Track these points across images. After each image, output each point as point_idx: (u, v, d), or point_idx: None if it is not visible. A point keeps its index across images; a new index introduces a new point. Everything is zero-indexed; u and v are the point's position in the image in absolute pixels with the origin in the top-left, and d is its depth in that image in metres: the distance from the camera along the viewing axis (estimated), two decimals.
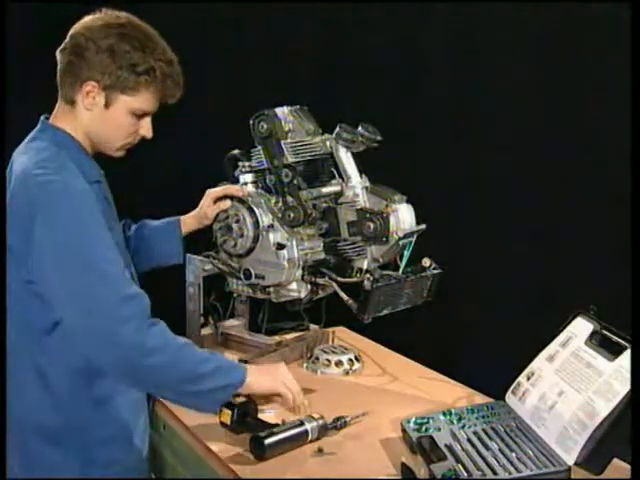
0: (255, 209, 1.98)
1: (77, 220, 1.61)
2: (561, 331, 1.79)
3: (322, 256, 2.01)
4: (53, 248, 1.59)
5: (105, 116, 1.73)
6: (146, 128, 1.78)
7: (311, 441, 1.74)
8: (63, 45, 1.73)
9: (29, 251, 1.61)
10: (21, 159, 1.69)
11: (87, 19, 1.72)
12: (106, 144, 1.78)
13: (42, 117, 1.78)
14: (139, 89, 1.71)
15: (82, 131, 1.75)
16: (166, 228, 2.10)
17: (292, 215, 1.96)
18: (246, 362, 2.13)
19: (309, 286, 2.02)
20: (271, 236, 1.96)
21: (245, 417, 1.76)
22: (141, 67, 1.69)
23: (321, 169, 2.05)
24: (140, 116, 1.75)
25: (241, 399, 1.80)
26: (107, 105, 1.71)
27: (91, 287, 1.58)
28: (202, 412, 1.73)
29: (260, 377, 1.75)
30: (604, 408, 1.52)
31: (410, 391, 2.08)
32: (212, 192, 2.07)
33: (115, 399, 1.75)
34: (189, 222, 2.11)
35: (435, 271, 1.99)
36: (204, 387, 1.65)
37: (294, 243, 1.96)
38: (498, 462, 1.56)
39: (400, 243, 1.93)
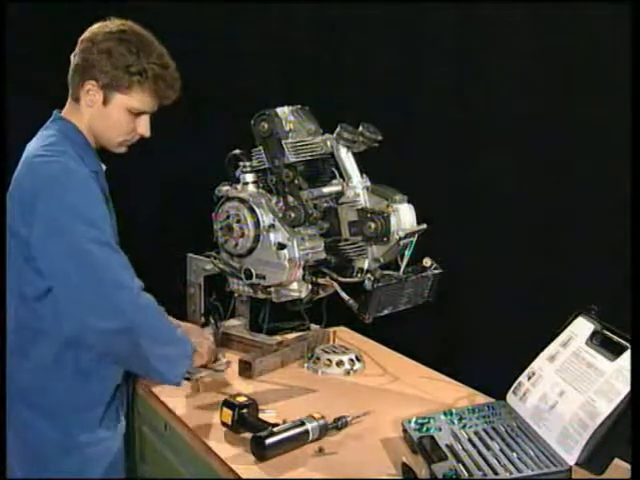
0: (256, 209, 1.98)
1: (77, 196, 1.77)
2: (562, 331, 1.79)
3: (323, 256, 2.01)
4: (54, 221, 1.74)
5: (103, 112, 1.89)
6: (143, 126, 1.92)
7: (312, 441, 1.74)
8: (75, 50, 1.91)
9: (31, 228, 1.76)
10: (31, 145, 1.88)
11: (95, 26, 1.90)
12: (106, 139, 1.93)
13: (55, 111, 1.95)
14: (133, 88, 1.86)
15: (85, 126, 1.92)
16: None
17: (293, 215, 1.96)
18: (248, 363, 2.14)
19: (310, 286, 2.02)
20: (272, 236, 1.96)
21: (246, 417, 1.77)
22: (134, 68, 1.84)
23: (322, 169, 2.05)
24: (137, 115, 1.90)
25: (242, 399, 1.80)
26: (105, 102, 1.88)
27: (85, 266, 1.73)
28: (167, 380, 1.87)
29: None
30: (605, 408, 1.52)
31: (411, 391, 2.08)
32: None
33: (97, 372, 1.89)
34: None
35: (436, 271, 1.99)
36: (173, 352, 1.84)
37: (295, 243, 1.96)
38: (499, 462, 1.56)
39: (401, 243, 1.93)
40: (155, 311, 1.82)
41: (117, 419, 1.99)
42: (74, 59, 1.90)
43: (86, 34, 1.90)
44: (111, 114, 1.89)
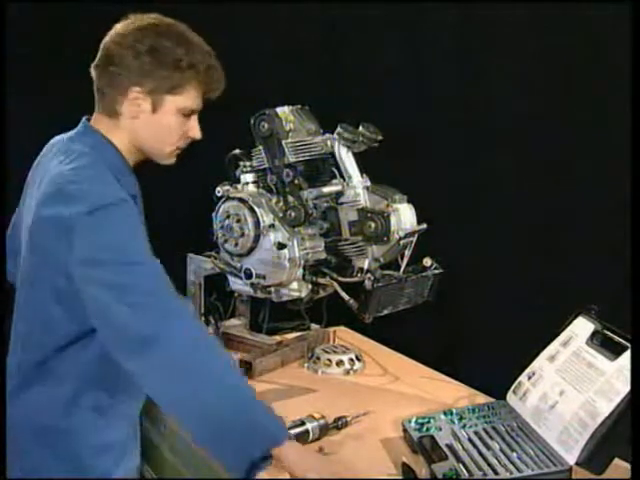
0: (256, 209, 1.98)
1: (118, 236, 1.54)
2: (562, 331, 1.79)
3: (323, 256, 2.01)
4: (100, 267, 1.51)
5: (153, 121, 1.66)
6: (195, 128, 1.72)
7: (312, 441, 1.74)
8: (97, 60, 1.67)
9: (69, 261, 1.52)
10: (59, 159, 1.63)
11: (118, 28, 1.66)
12: (157, 151, 1.71)
13: (84, 118, 1.72)
14: (185, 86, 1.64)
15: (128, 142, 1.68)
16: None
17: (293, 215, 1.96)
18: (249, 363, 2.14)
19: (310, 286, 2.02)
20: (272, 236, 1.96)
21: None
22: (185, 62, 1.62)
23: (322, 169, 2.05)
24: (187, 115, 1.69)
25: None
26: (154, 109, 1.65)
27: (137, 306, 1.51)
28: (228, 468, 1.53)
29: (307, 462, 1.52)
30: (605, 408, 1.52)
31: (411, 391, 2.08)
32: None
33: (114, 409, 1.71)
34: None
35: (436, 271, 1.99)
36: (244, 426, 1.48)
37: (295, 243, 1.96)
38: (499, 462, 1.56)
39: (401, 243, 1.93)
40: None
41: (133, 460, 1.80)
42: (100, 70, 1.66)
43: (111, 38, 1.65)
44: (162, 121, 1.65)
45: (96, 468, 1.68)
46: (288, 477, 1.62)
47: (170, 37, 1.63)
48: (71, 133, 1.71)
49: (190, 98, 1.66)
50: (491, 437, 1.67)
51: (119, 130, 1.67)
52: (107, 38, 1.66)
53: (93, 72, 1.68)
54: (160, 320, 1.49)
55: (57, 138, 1.75)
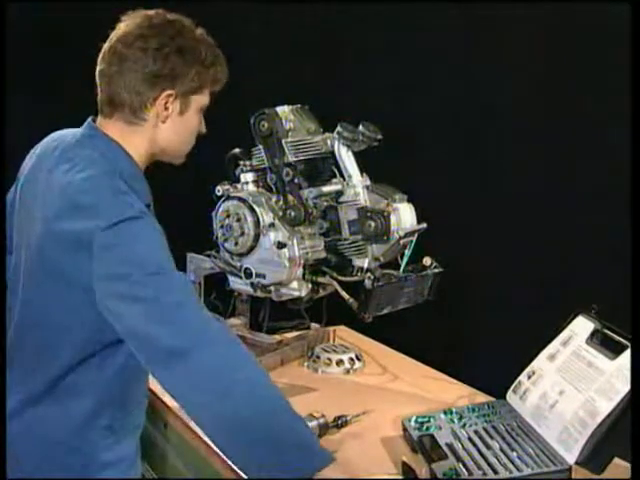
0: (256, 208, 1.98)
1: (139, 249, 1.47)
2: (562, 330, 1.79)
3: (323, 255, 2.01)
4: (122, 281, 1.44)
5: (180, 123, 1.60)
6: (203, 124, 1.68)
7: None
8: (105, 65, 1.57)
9: (90, 276, 1.46)
10: (66, 166, 1.54)
11: (125, 29, 1.55)
12: (179, 152, 1.67)
13: (89, 119, 1.63)
14: (205, 83, 1.60)
15: (147, 148, 1.61)
16: None
17: (293, 214, 1.96)
18: None
19: (310, 285, 2.02)
20: (272, 235, 1.96)
21: None
22: (208, 60, 1.58)
23: (322, 168, 2.05)
24: (202, 113, 1.66)
25: None
26: (182, 112, 1.59)
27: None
28: None
29: None
30: (605, 407, 1.52)
31: (411, 390, 2.08)
32: None
33: (126, 425, 1.68)
34: None
35: (436, 270, 1.99)
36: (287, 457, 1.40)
37: (295, 242, 1.96)
38: (499, 461, 1.56)
39: (401, 242, 1.93)
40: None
41: (138, 469, 1.77)
42: (117, 75, 1.54)
43: (124, 40, 1.53)
44: (187, 122, 1.60)
45: None
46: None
47: (191, 35, 1.57)
48: (77, 135, 1.61)
49: (206, 94, 1.63)
50: (491, 436, 1.67)
51: (137, 136, 1.59)
52: (116, 41, 1.55)
53: (102, 79, 1.58)
54: (189, 333, 1.43)
55: (57, 135, 1.68)
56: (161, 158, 1.67)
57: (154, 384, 2.03)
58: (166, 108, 1.57)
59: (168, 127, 1.60)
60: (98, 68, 1.59)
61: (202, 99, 1.62)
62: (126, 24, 1.56)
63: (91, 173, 1.51)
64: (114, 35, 1.57)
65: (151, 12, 1.57)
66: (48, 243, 1.52)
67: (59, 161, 1.57)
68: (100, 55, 1.59)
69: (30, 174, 1.68)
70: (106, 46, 1.58)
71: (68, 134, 1.65)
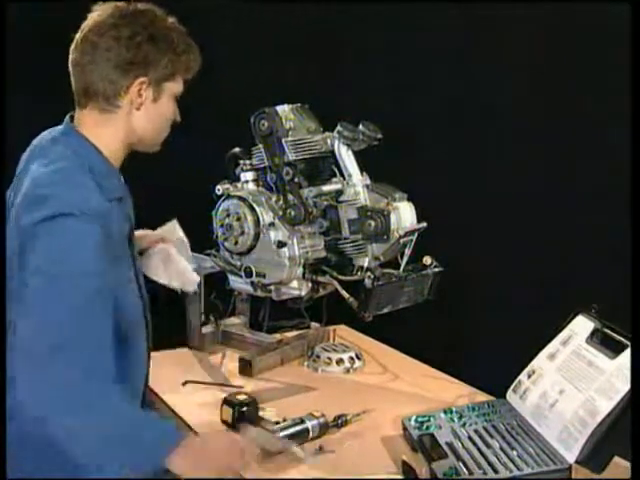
0: (256, 207, 1.98)
1: (63, 247, 1.44)
2: (562, 329, 1.79)
3: (323, 254, 2.01)
4: (35, 275, 1.43)
5: (154, 110, 1.61)
6: (177, 112, 1.68)
7: (312, 439, 1.74)
8: (78, 55, 1.57)
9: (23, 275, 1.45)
10: (40, 161, 1.56)
11: (97, 18, 1.56)
12: (153, 140, 1.67)
13: (67, 117, 1.64)
14: (177, 70, 1.61)
15: (122, 137, 1.61)
16: None
17: (293, 213, 1.96)
18: (248, 362, 2.14)
19: (310, 284, 2.02)
20: (272, 234, 1.96)
21: (246, 415, 1.77)
22: (180, 47, 1.59)
23: (322, 167, 2.05)
24: (176, 100, 1.66)
25: (242, 397, 1.80)
26: (155, 98, 1.60)
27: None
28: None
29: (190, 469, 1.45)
30: (605, 406, 1.52)
31: (411, 389, 2.08)
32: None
33: None
34: None
35: (436, 269, 1.99)
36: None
37: (295, 241, 1.96)
38: (499, 460, 1.56)
39: (401, 241, 1.93)
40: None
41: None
42: (92, 64, 1.55)
43: (96, 30, 1.54)
44: (161, 109, 1.61)
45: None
46: (288, 475, 1.62)
47: (162, 23, 1.58)
48: (54, 133, 1.63)
49: (180, 82, 1.64)
50: (491, 435, 1.67)
51: (112, 126, 1.59)
52: (87, 32, 1.56)
53: (75, 68, 1.58)
54: (58, 344, 1.39)
55: (44, 133, 1.67)
56: (137, 148, 1.67)
57: (154, 384, 2.04)
58: (140, 95, 1.57)
59: (142, 114, 1.60)
60: (71, 57, 1.60)
61: (175, 86, 1.63)
62: (98, 14, 1.57)
63: (59, 166, 1.52)
64: (86, 25, 1.58)
65: (122, 3, 1.59)
66: (20, 241, 1.49)
67: (36, 158, 1.59)
68: (72, 45, 1.59)
69: (18, 173, 1.68)
70: (78, 36, 1.58)
71: (51, 132, 1.66)
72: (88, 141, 1.58)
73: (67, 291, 1.43)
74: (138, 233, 1.81)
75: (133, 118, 1.59)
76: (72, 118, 1.63)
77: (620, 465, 1.57)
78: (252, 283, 2.02)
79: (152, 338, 1.77)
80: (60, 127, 1.65)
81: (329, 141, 2.02)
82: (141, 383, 1.74)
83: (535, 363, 1.80)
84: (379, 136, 1.97)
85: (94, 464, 1.46)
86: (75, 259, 1.44)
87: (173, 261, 1.98)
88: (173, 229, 2.04)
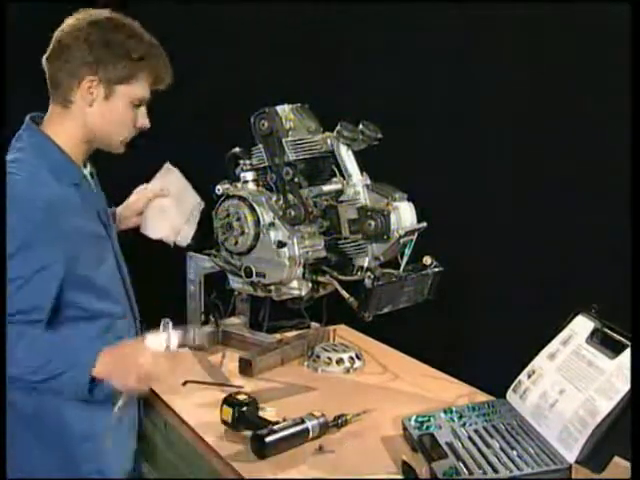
0: (256, 207, 1.98)
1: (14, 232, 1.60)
2: (562, 329, 1.79)
3: (323, 254, 2.01)
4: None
5: (107, 109, 1.74)
6: (143, 117, 1.80)
7: (312, 439, 1.74)
8: (50, 52, 1.75)
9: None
10: (7, 156, 1.72)
11: (71, 21, 1.74)
12: (108, 140, 1.79)
13: (28, 117, 1.78)
14: (135, 76, 1.73)
15: (80, 132, 1.75)
16: None
17: (293, 213, 1.96)
18: (248, 362, 2.14)
19: (310, 284, 2.02)
20: (272, 234, 1.96)
21: (246, 415, 1.77)
22: (136, 54, 1.72)
23: (322, 167, 2.05)
24: (137, 106, 1.78)
25: (242, 397, 1.80)
26: (107, 97, 1.73)
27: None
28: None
29: (112, 376, 1.63)
30: (605, 406, 1.52)
31: (411, 389, 2.08)
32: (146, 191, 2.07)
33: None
34: (124, 215, 2.09)
35: (436, 269, 1.99)
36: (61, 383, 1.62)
37: (295, 241, 1.96)
38: (499, 460, 1.56)
39: (401, 241, 1.93)
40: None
41: (125, 444, 1.86)
42: (54, 61, 1.73)
43: (65, 31, 1.73)
44: (115, 109, 1.74)
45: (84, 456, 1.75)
46: (288, 475, 1.62)
47: (122, 30, 1.72)
48: (20, 131, 1.78)
49: (140, 88, 1.75)
50: (491, 435, 1.67)
51: (71, 120, 1.74)
52: (59, 32, 1.74)
53: (45, 64, 1.75)
54: None
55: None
56: (97, 146, 1.80)
57: (154, 384, 2.04)
58: (90, 92, 1.72)
59: (95, 111, 1.73)
60: (45, 55, 1.76)
61: (132, 91, 1.74)
62: (75, 17, 1.75)
63: (17, 156, 1.70)
64: (62, 27, 1.75)
65: (98, 10, 1.76)
66: None
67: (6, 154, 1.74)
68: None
69: None
70: (54, 35, 1.76)
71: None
72: (41, 133, 1.75)
73: None
74: (133, 195, 2.02)
75: (88, 115, 1.73)
76: (34, 118, 1.78)
77: (620, 465, 1.57)
78: (252, 283, 2.02)
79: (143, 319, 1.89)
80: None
81: (329, 141, 2.02)
82: None
83: (535, 363, 1.80)
84: (379, 136, 1.97)
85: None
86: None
87: (167, 217, 2.01)
88: (167, 173, 2.08)
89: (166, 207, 2.06)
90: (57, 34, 1.75)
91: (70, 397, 1.67)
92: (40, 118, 1.78)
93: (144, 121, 1.80)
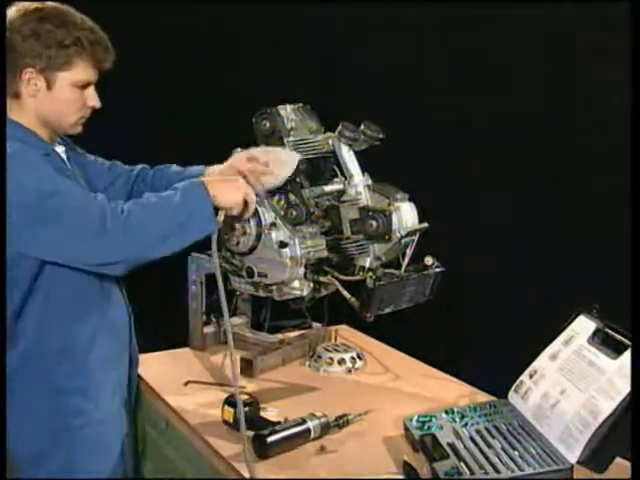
0: (257, 207, 1.98)
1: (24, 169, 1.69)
2: (563, 330, 1.79)
3: (324, 254, 2.00)
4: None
5: (51, 97, 1.79)
6: (92, 97, 1.84)
7: (313, 439, 1.74)
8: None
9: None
10: None
11: (11, 15, 1.78)
12: (60, 123, 1.84)
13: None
14: (73, 62, 1.77)
15: (34, 119, 1.82)
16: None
17: (294, 213, 1.95)
18: (250, 362, 2.14)
19: (311, 284, 2.01)
20: (273, 234, 1.96)
21: (247, 415, 1.77)
22: (68, 40, 1.75)
23: (323, 167, 2.05)
24: (83, 87, 1.82)
25: (244, 397, 1.80)
26: (49, 87, 1.78)
27: (57, 213, 1.67)
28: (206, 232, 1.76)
29: (224, 191, 1.79)
30: (607, 406, 1.52)
31: (412, 389, 2.08)
32: (245, 152, 2.05)
33: (81, 352, 1.84)
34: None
35: (437, 269, 1.99)
36: (189, 229, 1.74)
37: (296, 241, 1.95)
38: (501, 460, 1.57)
39: (402, 241, 1.93)
40: (140, 217, 1.72)
41: (112, 402, 1.92)
42: (5, 54, 1.78)
43: (8, 26, 1.77)
44: (59, 96, 1.79)
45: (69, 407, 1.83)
46: (290, 475, 1.62)
47: (51, 20, 1.75)
48: None
49: (81, 72, 1.79)
50: (493, 436, 1.67)
51: (23, 110, 1.80)
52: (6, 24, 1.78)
53: None
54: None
55: None
56: (54, 129, 1.86)
57: (155, 384, 2.04)
58: (32, 84, 1.77)
59: (41, 101, 1.79)
60: None
61: (73, 76, 1.78)
62: (10, 11, 1.79)
63: None
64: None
65: (26, 3, 1.78)
66: None
67: None
68: None
69: None
70: None
71: None
72: (10, 119, 1.80)
73: None
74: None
75: (34, 104, 1.80)
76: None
77: (622, 465, 1.57)
78: (254, 283, 2.02)
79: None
80: None
81: (331, 141, 2.01)
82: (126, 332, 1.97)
83: (537, 363, 1.80)
84: (381, 136, 1.97)
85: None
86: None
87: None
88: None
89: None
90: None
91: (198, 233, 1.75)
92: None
93: (94, 101, 1.84)
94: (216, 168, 2.06)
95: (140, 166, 2.13)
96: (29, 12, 1.76)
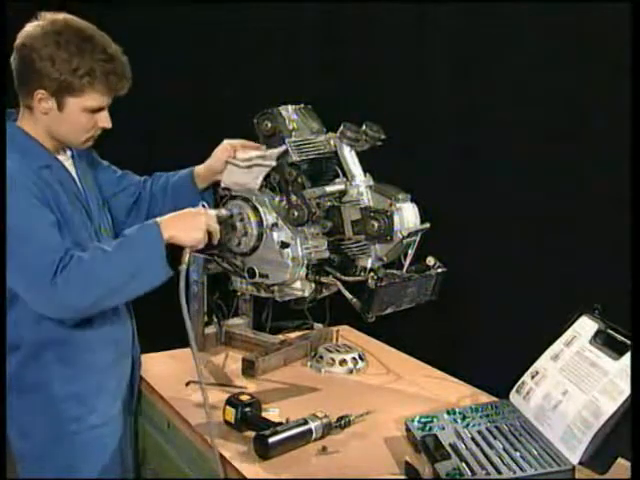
0: (259, 208, 1.98)
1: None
2: (565, 330, 1.79)
3: (326, 255, 2.00)
4: None
5: (61, 118, 1.80)
6: (104, 120, 1.84)
7: (315, 440, 1.74)
8: (13, 55, 1.80)
9: None
10: None
11: (28, 28, 1.77)
12: (69, 141, 1.86)
13: (8, 111, 1.87)
14: (85, 90, 1.77)
15: (42, 132, 1.83)
16: (180, 184, 2.12)
17: (296, 214, 1.95)
18: (251, 362, 2.14)
19: (313, 285, 2.01)
20: (275, 235, 1.96)
21: (249, 416, 1.77)
22: (81, 70, 1.75)
23: (325, 168, 2.04)
24: (95, 111, 1.82)
25: (245, 398, 1.81)
26: (60, 108, 1.79)
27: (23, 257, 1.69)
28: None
29: (183, 231, 1.77)
30: (609, 407, 1.52)
31: (414, 390, 2.08)
32: (229, 141, 2.06)
33: (79, 360, 1.86)
34: (202, 175, 2.10)
35: (439, 270, 1.98)
36: (141, 279, 1.73)
37: (298, 242, 1.95)
38: (502, 461, 1.57)
39: (404, 242, 1.93)
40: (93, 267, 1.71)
41: (112, 407, 1.94)
42: (14, 67, 1.80)
43: (21, 39, 1.78)
44: (69, 118, 1.80)
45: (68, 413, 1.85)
46: (291, 476, 1.62)
47: (68, 46, 1.74)
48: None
49: (92, 99, 1.79)
50: (494, 436, 1.67)
51: (34, 121, 1.82)
52: (20, 36, 1.78)
53: (12, 65, 1.81)
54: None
55: None
56: (63, 144, 1.88)
57: (156, 384, 2.04)
58: (43, 103, 1.78)
59: (52, 119, 1.80)
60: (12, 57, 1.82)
61: (84, 102, 1.78)
62: (31, 26, 1.77)
63: None
64: (22, 31, 1.78)
65: (54, 18, 1.77)
66: None
67: None
68: None
69: None
70: (17, 38, 1.80)
71: None
72: (17, 127, 1.84)
73: None
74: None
75: (44, 120, 1.81)
76: (10, 114, 1.87)
77: (623, 466, 1.57)
78: (255, 284, 2.02)
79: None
80: None
81: (332, 142, 2.01)
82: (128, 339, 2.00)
83: (539, 364, 1.80)
84: (382, 137, 1.97)
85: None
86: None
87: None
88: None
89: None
90: (17, 40, 1.78)
91: (152, 282, 1.75)
92: (15, 114, 1.86)
93: (105, 123, 1.85)
94: (202, 167, 2.09)
95: (150, 177, 2.15)
96: (49, 34, 1.75)
